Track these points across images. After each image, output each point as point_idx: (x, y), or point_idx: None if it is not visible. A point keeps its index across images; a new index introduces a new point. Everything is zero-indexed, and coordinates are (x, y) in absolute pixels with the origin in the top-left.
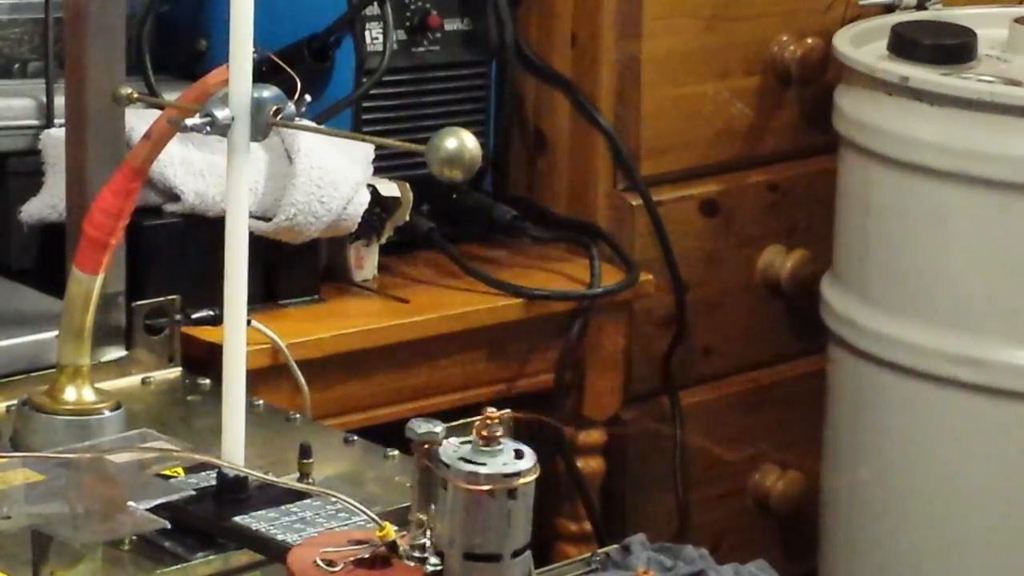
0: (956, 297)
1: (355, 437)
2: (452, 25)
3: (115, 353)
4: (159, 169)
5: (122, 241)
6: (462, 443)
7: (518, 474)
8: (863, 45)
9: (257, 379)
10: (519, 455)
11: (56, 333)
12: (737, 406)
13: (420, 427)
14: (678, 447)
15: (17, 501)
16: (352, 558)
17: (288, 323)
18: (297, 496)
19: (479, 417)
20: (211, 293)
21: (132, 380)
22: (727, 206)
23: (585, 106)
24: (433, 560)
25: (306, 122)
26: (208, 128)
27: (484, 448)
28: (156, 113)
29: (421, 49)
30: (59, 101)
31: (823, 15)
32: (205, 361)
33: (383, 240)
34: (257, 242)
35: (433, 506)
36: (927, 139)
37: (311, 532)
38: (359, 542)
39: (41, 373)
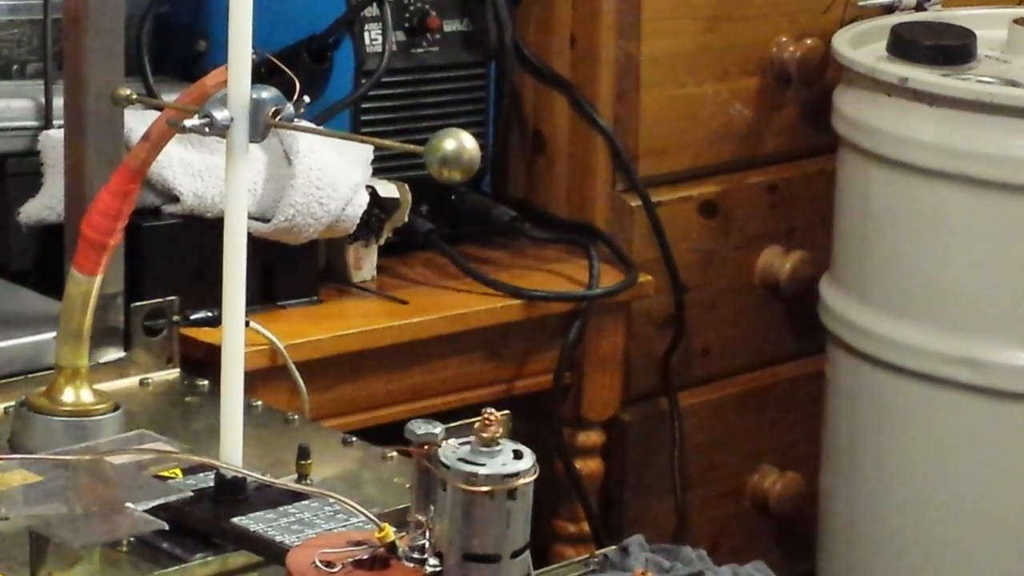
0: (955, 298)
1: (353, 438)
2: (451, 26)
3: (113, 354)
4: (158, 170)
5: (121, 242)
6: (461, 444)
7: (517, 474)
8: (862, 46)
9: (255, 380)
10: (518, 455)
11: (54, 334)
12: (735, 407)
13: (419, 428)
14: (676, 448)
15: (15, 502)
16: (351, 559)
17: (287, 324)
18: (295, 497)
19: (478, 418)
20: (210, 294)
21: (130, 381)
22: (726, 207)
23: (584, 107)
24: (432, 561)
25: (305, 123)
26: (207, 129)
27: (483, 449)
28: (155, 114)
29: (420, 50)
30: (58, 102)
31: (822, 16)
32: (203, 362)
33: (382, 241)
34: (256, 243)
35: (432, 507)
36: (926, 140)
37: (309, 533)
38: (358, 543)
39: (39, 374)
